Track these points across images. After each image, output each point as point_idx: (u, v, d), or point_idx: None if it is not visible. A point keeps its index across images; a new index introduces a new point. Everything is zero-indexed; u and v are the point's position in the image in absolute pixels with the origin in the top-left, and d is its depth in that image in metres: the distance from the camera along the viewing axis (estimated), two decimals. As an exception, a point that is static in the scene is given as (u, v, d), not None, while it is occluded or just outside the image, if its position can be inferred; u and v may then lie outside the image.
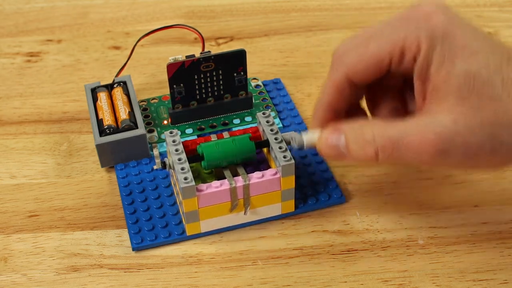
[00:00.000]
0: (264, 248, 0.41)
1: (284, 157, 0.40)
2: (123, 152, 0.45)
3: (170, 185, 0.44)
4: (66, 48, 0.59)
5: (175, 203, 0.43)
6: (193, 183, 0.38)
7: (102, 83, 0.49)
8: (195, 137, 0.47)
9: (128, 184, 0.45)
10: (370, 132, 0.36)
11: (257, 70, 0.55)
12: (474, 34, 0.35)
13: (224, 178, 0.40)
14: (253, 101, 0.50)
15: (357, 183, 0.45)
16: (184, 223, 0.41)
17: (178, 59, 0.46)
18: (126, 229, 0.42)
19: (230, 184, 0.39)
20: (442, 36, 0.35)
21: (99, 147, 0.45)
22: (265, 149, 0.43)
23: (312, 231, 0.42)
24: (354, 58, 0.37)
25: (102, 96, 0.48)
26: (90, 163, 0.47)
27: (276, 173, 0.40)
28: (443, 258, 0.40)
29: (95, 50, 0.58)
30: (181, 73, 0.46)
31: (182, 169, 0.39)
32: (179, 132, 0.42)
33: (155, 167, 0.41)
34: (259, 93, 0.51)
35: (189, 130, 0.48)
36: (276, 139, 0.41)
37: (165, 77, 0.47)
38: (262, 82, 0.53)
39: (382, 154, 0.35)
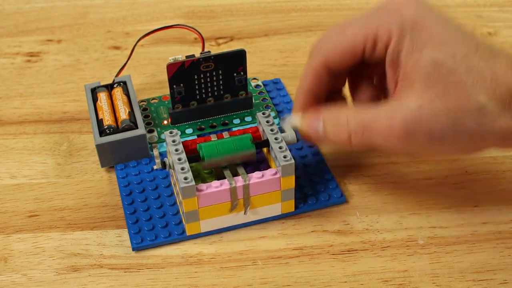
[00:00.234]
0: (264, 248, 0.41)
1: (284, 157, 0.40)
2: (123, 152, 0.45)
3: (170, 185, 0.44)
4: (66, 48, 0.59)
5: (175, 203, 0.43)
6: (193, 183, 0.38)
7: (102, 83, 0.49)
8: (195, 137, 0.47)
9: (128, 184, 0.45)
10: (345, 116, 0.38)
11: (257, 70, 0.55)
12: (444, 25, 0.37)
13: (224, 178, 0.40)
14: (253, 101, 0.50)
15: (357, 183, 0.45)
16: (184, 223, 0.41)
17: (178, 59, 0.46)
18: (126, 229, 0.42)
19: (230, 184, 0.39)
20: (411, 26, 0.37)
21: (99, 147, 0.45)
22: (265, 149, 0.43)
23: (312, 231, 0.42)
24: (330, 45, 0.40)
25: (102, 96, 0.48)
26: (90, 163, 0.47)
27: (276, 173, 0.40)
28: (443, 258, 0.40)
29: (95, 50, 0.58)
30: (181, 73, 0.46)
31: (182, 169, 0.39)
32: (179, 132, 0.42)
33: (155, 167, 0.41)
34: (259, 93, 0.51)
35: (189, 130, 0.48)
36: (276, 139, 0.41)
37: (165, 77, 0.47)
38: (262, 82, 0.53)
39: (354, 138, 0.38)
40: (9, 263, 0.41)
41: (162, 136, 0.48)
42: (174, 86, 0.47)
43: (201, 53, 0.46)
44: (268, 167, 0.43)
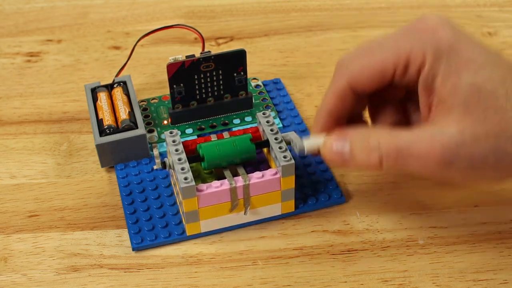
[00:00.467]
0: (264, 248, 0.41)
1: (284, 157, 0.40)
2: (123, 152, 0.45)
3: (170, 185, 0.44)
4: (66, 48, 0.59)
5: (175, 203, 0.43)
6: (193, 183, 0.38)
7: (102, 83, 0.49)
8: (195, 137, 0.47)
9: (128, 184, 0.45)
10: (376, 139, 0.36)
11: (257, 70, 0.55)
12: (479, 49, 0.36)
13: (224, 178, 0.40)
14: (253, 101, 0.50)
15: (357, 183, 0.45)
16: (184, 223, 0.41)
17: (178, 59, 0.46)
18: (126, 229, 0.42)
19: (230, 184, 0.39)
20: (448, 49, 0.35)
21: (99, 147, 0.45)
22: (265, 149, 0.43)
23: (312, 231, 0.42)
24: (358, 67, 0.38)
25: (102, 96, 0.48)
26: (90, 163, 0.47)
27: (276, 173, 0.40)
28: (443, 258, 0.40)
29: (95, 50, 0.58)
30: (181, 73, 0.46)
31: (182, 169, 0.39)
32: (179, 132, 0.42)
33: (155, 167, 0.41)
34: (259, 93, 0.51)
35: (189, 130, 0.48)
36: (276, 139, 0.41)
37: (165, 77, 0.47)
38: (262, 82, 0.53)
39: (386, 162, 0.36)
40: (9, 263, 0.41)
41: (162, 136, 0.48)
42: (174, 86, 0.47)
43: (201, 53, 0.46)
44: (268, 167, 0.43)
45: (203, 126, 0.48)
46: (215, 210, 0.40)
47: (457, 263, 0.40)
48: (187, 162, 0.40)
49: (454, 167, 0.35)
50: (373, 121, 0.42)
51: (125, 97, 0.47)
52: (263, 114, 0.43)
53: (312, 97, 0.52)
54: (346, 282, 0.39)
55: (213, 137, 0.42)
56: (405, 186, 0.45)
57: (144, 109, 0.50)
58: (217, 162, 0.41)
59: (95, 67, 0.56)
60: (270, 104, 0.50)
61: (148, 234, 0.41)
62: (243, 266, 0.40)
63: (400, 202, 0.43)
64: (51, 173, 0.47)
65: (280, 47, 0.58)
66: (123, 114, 0.46)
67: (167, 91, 0.48)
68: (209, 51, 0.46)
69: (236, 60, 0.47)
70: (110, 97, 0.48)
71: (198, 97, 0.48)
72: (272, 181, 0.40)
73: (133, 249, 0.41)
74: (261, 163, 0.44)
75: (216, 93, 0.48)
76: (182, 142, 0.41)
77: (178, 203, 0.43)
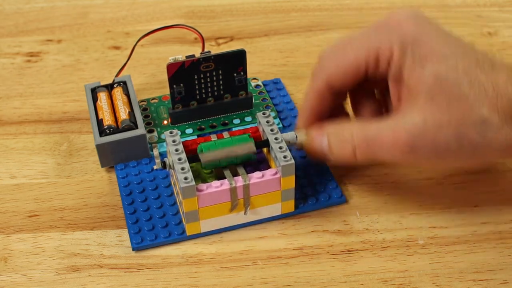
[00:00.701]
0: (264, 248, 0.41)
1: (284, 157, 0.40)
2: (123, 152, 0.45)
3: (170, 185, 0.44)
4: (66, 48, 0.59)
5: (175, 203, 0.43)
6: (193, 183, 0.38)
7: (102, 83, 0.49)
8: (195, 137, 0.47)
9: (128, 184, 0.45)
10: (349, 131, 0.38)
11: (257, 70, 0.55)
12: (444, 39, 0.37)
13: (224, 178, 0.40)
14: (253, 101, 0.50)
15: (357, 183, 0.45)
16: (184, 223, 0.41)
17: (178, 59, 0.46)
18: (126, 229, 0.42)
19: (230, 184, 0.39)
20: (412, 42, 0.37)
21: (99, 147, 0.45)
22: (265, 149, 0.43)
23: (312, 231, 0.42)
24: (332, 66, 0.40)
25: (102, 96, 0.48)
26: (90, 163, 0.47)
27: (276, 173, 0.40)
28: (443, 258, 0.40)
29: (95, 50, 0.58)
30: (181, 73, 0.46)
31: (182, 169, 0.39)
32: (179, 132, 0.42)
33: (155, 167, 0.41)
34: (259, 93, 0.51)
35: (189, 130, 0.48)
36: (276, 139, 0.41)
37: (165, 77, 0.47)
38: (262, 82, 0.53)
39: (358, 152, 0.38)
40: (9, 263, 0.41)
41: (162, 136, 0.48)
42: (174, 86, 0.47)
43: (201, 53, 0.46)
44: (268, 167, 0.43)
45: (203, 126, 0.48)
46: (215, 210, 0.40)
47: (457, 263, 0.40)
48: (187, 162, 0.40)
49: (419, 153, 0.36)
50: (354, 112, 0.44)
51: (125, 97, 0.47)
52: (263, 114, 0.43)
53: (312, 97, 0.52)
54: (346, 282, 0.39)
55: (213, 137, 0.42)
56: (405, 186, 0.45)
57: (144, 109, 0.50)
58: (217, 162, 0.41)
59: (95, 67, 0.56)
60: (270, 104, 0.50)
61: (148, 234, 0.41)
62: (243, 266, 0.40)
63: (400, 202, 0.43)
64: (51, 173, 0.47)
65: (280, 47, 0.58)
66: (123, 114, 0.46)
67: (167, 91, 0.48)
68: (209, 51, 0.46)
69: (236, 60, 0.47)
70: (110, 97, 0.48)
71: (198, 97, 0.48)
72: (272, 181, 0.40)
73: (133, 249, 0.41)
74: (261, 163, 0.44)
75: (216, 93, 0.48)
76: (182, 142, 0.41)
77: (178, 203, 0.43)
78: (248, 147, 0.41)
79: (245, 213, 0.41)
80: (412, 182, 0.45)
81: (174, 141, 0.41)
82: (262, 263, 0.40)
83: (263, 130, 0.42)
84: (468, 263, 0.40)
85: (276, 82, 0.53)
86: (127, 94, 0.48)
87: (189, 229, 0.41)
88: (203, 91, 0.48)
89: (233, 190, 0.40)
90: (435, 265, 0.40)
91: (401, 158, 0.37)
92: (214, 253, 0.41)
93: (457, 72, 0.36)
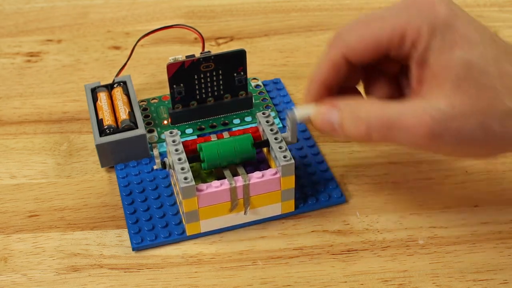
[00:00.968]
0: (264, 248, 0.41)
1: (284, 157, 0.40)
2: (123, 152, 0.45)
3: (170, 185, 0.44)
4: (66, 48, 0.59)
5: (175, 203, 0.43)
6: (193, 183, 0.38)
7: (102, 83, 0.49)
8: (195, 137, 0.47)
9: (128, 184, 0.45)
10: (365, 110, 0.36)
11: (257, 70, 0.55)
12: (474, 26, 0.36)
13: (224, 178, 0.40)
14: (253, 101, 0.50)
15: (357, 183, 0.45)
16: (184, 223, 0.41)
17: (178, 59, 0.46)
18: (126, 229, 0.42)
19: (230, 184, 0.39)
20: (443, 25, 0.36)
21: (99, 147, 0.45)
22: (265, 149, 0.43)
23: (312, 231, 0.42)
24: (354, 37, 0.38)
25: (102, 96, 0.48)
26: (90, 163, 0.47)
27: (276, 173, 0.40)
28: (443, 258, 0.40)
29: (95, 50, 0.58)
30: (181, 73, 0.46)
31: (182, 169, 0.39)
32: (179, 132, 0.42)
33: (155, 167, 0.41)
34: (259, 93, 0.51)
35: (189, 130, 0.48)
36: (276, 139, 0.41)
37: (165, 77, 0.47)
38: (262, 82, 0.53)
39: (376, 133, 0.36)
40: (9, 263, 0.41)
41: (162, 136, 0.48)
42: (174, 86, 0.47)
43: (201, 53, 0.46)
44: (268, 167, 0.43)
45: (203, 126, 0.48)
46: (215, 210, 0.40)
47: (457, 263, 0.40)
48: (187, 162, 0.40)
49: (442, 141, 0.35)
50: (367, 94, 0.42)
51: (125, 97, 0.47)
52: (263, 114, 0.43)
53: (312, 97, 0.52)
54: (346, 282, 0.39)
55: (213, 137, 0.42)
56: (405, 186, 0.45)
57: (144, 109, 0.50)
58: (217, 162, 0.41)
59: (95, 67, 0.56)
60: (270, 104, 0.50)
61: (148, 234, 0.41)
62: (243, 266, 0.40)
63: (400, 202, 0.43)
64: (51, 173, 0.47)
65: (280, 47, 0.58)
66: (123, 114, 0.46)
67: (167, 91, 0.48)
68: (209, 51, 0.46)
69: (236, 60, 0.47)
70: (110, 97, 0.48)
71: (198, 97, 0.48)
72: (272, 181, 0.40)
73: (133, 249, 0.41)
74: (261, 163, 0.44)
75: (216, 93, 0.48)
76: (182, 142, 0.41)
77: (178, 203, 0.43)
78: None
79: (245, 213, 0.41)
80: (412, 182, 0.45)
81: (174, 141, 0.41)
82: (262, 263, 0.40)
83: (263, 130, 0.42)
84: (468, 263, 0.40)
85: (276, 82, 0.53)
86: (127, 94, 0.48)
87: (189, 229, 0.41)
88: (203, 91, 0.48)
89: (233, 190, 0.40)
90: (435, 265, 0.40)
91: (422, 143, 0.35)
92: (214, 253, 0.41)
93: (486, 60, 0.35)
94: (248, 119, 0.49)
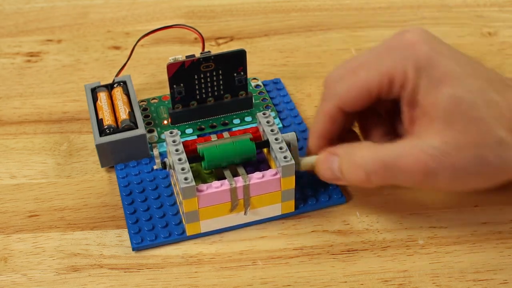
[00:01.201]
0: (264, 248, 0.41)
1: (284, 157, 0.40)
2: (123, 152, 0.45)
3: (170, 185, 0.44)
4: (66, 48, 0.59)
5: (175, 203, 0.43)
6: (193, 183, 0.38)
7: (102, 83, 0.49)
8: (195, 137, 0.47)
9: (128, 184, 0.45)
10: (361, 155, 0.38)
11: (257, 70, 0.55)
12: (456, 60, 0.37)
13: (224, 178, 0.40)
14: (253, 101, 0.50)
15: (357, 183, 0.45)
16: (184, 223, 0.41)
17: (178, 59, 0.46)
18: (126, 229, 0.42)
19: (230, 184, 0.39)
20: (426, 64, 0.37)
21: (99, 147, 0.45)
22: (265, 150, 0.43)
23: (312, 231, 0.42)
24: (344, 89, 0.39)
25: (102, 96, 0.48)
26: (90, 163, 0.47)
27: (276, 174, 0.40)
28: (443, 258, 0.40)
29: (95, 50, 0.58)
30: (181, 73, 0.46)
31: (182, 169, 0.39)
32: (179, 132, 0.42)
33: (155, 167, 0.41)
34: (259, 93, 0.51)
35: (189, 130, 0.48)
36: (276, 139, 0.41)
37: (165, 77, 0.47)
38: (262, 82, 0.53)
39: (375, 177, 0.37)
40: (9, 263, 0.41)
41: (162, 136, 0.48)
42: (174, 86, 0.47)
43: (201, 53, 0.46)
44: (268, 167, 0.43)
45: (203, 126, 0.48)
46: (215, 210, 0.40)
47: (457, 263, 0.40)
48: (187, 162, 0.40)
49: (439, 177, 0.36)
50: (363, 133, 0.43)
51: (125, 97, 0.47)
52: (263, 114, 0.43)
53: (312, 97, 0.52)
54: (346, 282, 0.39)
55: (213, 137, 0.42)
56: (405, 186, 0.45)
57: (144, 109, 0.50)
58: (217, 163, 0.41)
59: (95, 67, 0.56)
60: (270, 104, 0.50)
61: (148, 234, 0.41)
62: (243, 266, 0.40)
63: (400, 202, 0.43)
64: (51, 173, 0.47)
65: (280, 47, 0.58)
66: (123, 114, 0.46)
67: (167, 91, 0.48)
68: (209, 51, 0.46)
69: (236, 60, 0.47)
70: (110, 97, 0.48)
71: (198, 97, 0.48)
72: (272, 182, 0.40)
73: (133, 249, 0.41)
74: (261, 163, 0.44)
75: (216, 93, 0.48)
76: (182, 142, 0.41)
77: (178, 203, 0.43)
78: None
79: (245, 213, 0.41)
80: (412, 182, 0.45)
81: (174, 141, 0.41)
82: (262, 263, 0.40)
83: (263, 130, 0.42)
84: (468, 263, 0.40)
85: (276, 82, 0.53)
86: (127, 94, 0.48)
87: (189, 229, 0.41)
88: (203, 91, 0.48)
89: (233, 191, 0.40)
90: (435, 265, 0.40)
91: (420, 182, 0.37)
92: (214, 253, 0.41)
93: (472, 93, 0.35)
94: (248, 119, 0.49)
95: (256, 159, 0.42)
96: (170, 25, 0.51)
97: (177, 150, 0.40)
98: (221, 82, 0.48)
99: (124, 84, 0.49)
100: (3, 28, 0.62)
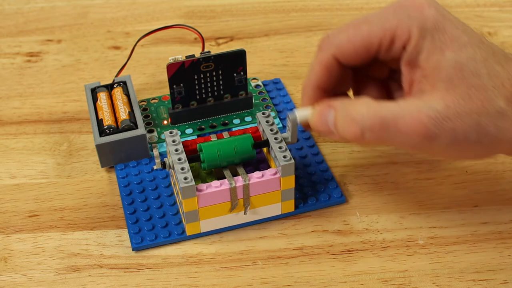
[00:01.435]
0: (264, 248, 0.41)
1: (284, 157, 0.40)
2: (123, 152, 0.45)
3: (170, 185, 0.44)
4: (66, 48, 0.59)
5: (175, 203, 0.43)
6: (193, 183, 0.38)
7: (102, 83, 0.49)
8: (195, 137, 0.47)
9: (128, 184, 0.45)
10: (359, 109, 0.36)
11: (257, 70, 0.55)
12: (462, 29, 0.36)
13: (224, 178, 0.40)
14: (253, 101, 0.50)
15: (357, 183, 0.45)
16: (184, 223, 0.41)
17: (178, 59, 0.46)
18: (126, 229, 0.42)
19: (230, 184, 0.39)
20: (432, 27, 0.36)
21: (99, 147, 0.45)
22: (265, 149, 0.43)
23: (312, 231, 0.42)
24: (344, 39, 0.38)
25: (102, 96, 0.48)
26: (90, 163, 0.47)
27: (276, 173, 0.40)
28: (443, 258, 0.40)
29: (95, 50, 0.58)
30: (181, 73, 0.46)
31: (182, 169, 0.39)
32: (179, 132, 0.42)
33: (155, 167, 0.41)
34: (259, 93, 0.51)
35: (189, 130, 0.48)
36: (276, 139, 0.41)
37: (165, 77, 0.47)
38: (262, 82, 0.53)
39: (369, 134, 0.36)
40: (9, 263, 0.41)
41: (162, 136, 0.48)
42: (174, 86, 0.47)
43: (201, 53, 0.46)
44: (268, 167, 0.43)
45: (203, 126, 0.48)
46: (215, 210, 0.40)
47: (457, 263, 0.40)
48: (187, 162, 0.40)
49: (438, 141, 0.35)
50: (356, 97, 0.42)
51: (125, 97, 0.47)
52: (263, 114, 0.43)
53: (312, 97, 0.52)
54: (346, 282, 0.39)
55: (213, 137, 0.42)
56: (405, 186, 0.45)
57: (144, 109, 0.50)
58: (217, 162, 0.41)
59: (95, 67, 0.56)
60: (270, 104, 0.50)
61: (148, 234, 0.41)
62: (243, 266, 0.40)
63: (400, 202, 0.43)
64: (51, 173, 0.47)
65: (280, 47, 0.58)
66: (123, 114, 0.46)
67: (167, 91, 0.48)
68: (209, 51, 0.46)
69: (236, 60, 0.47)
70: (110, 97, 0.48)
71: (198, 97, 0.48)
72: (272, 181, 0.40)
73: (133, 249, 0.41)
74: (261, 163, 0.44)
75: (216, 93, 0.48)
76: (182, 142, 0.41)
77: (178, 203, 0.43)
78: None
79: (245, 213, 0.41)
80: (412, 182, 0.45)
81: (174, 141, 0.41)
82: (262, 263, 0.40)
83: (263, 130, 0.42)
84: (468, 263, 0.40)
85: (276, 82, 0.53)
86: (127, 94, 0.48)
87: (189, 229, 0.41)
88: (203, 91, 0.48)
89: (233, 190, 0.40)
90: (435, 265, 0.40)
91: (417, 144, 0.35)
92: (214, 253, 0.41)
93: (476, 61, 0.35)
94: (248, 119, 0.49)
95: (255, 158, 0.42)
96: (170, 25, 0.51)
97: (176, 150, 0.40)
98: (221, 82, 0.48)
99: (124, 84, 0.49)
100: (3, 28, 0.62)
